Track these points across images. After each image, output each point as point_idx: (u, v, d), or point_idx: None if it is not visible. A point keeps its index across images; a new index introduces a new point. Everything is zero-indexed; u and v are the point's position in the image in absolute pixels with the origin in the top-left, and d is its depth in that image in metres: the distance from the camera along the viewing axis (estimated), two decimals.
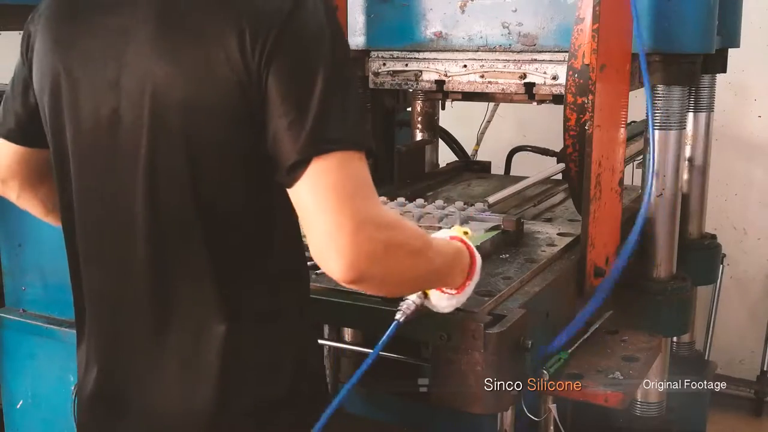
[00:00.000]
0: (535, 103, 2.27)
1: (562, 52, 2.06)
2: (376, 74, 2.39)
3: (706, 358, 3.55)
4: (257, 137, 1.21)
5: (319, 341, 1.82)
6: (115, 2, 1.29)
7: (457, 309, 1.56)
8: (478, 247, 1.86)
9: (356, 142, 1.18)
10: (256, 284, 1.31)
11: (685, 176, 2.56)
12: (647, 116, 2.06)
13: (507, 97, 2.34)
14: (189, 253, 1.28)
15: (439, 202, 2.22)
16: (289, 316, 1.36)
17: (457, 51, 2.24)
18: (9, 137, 1.48)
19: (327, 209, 1.14)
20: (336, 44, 1.22)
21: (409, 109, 2.94)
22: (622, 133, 2.05)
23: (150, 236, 1.28)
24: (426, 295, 1.41)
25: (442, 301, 1.41)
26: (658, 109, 2.11)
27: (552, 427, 1.78)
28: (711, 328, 3.86)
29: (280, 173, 1.19)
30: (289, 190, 1.20)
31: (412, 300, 1.39)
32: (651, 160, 2.06)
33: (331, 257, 1.14)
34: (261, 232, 1.30)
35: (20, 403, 2.59)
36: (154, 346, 1.33)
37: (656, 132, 2.13)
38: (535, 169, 2.72)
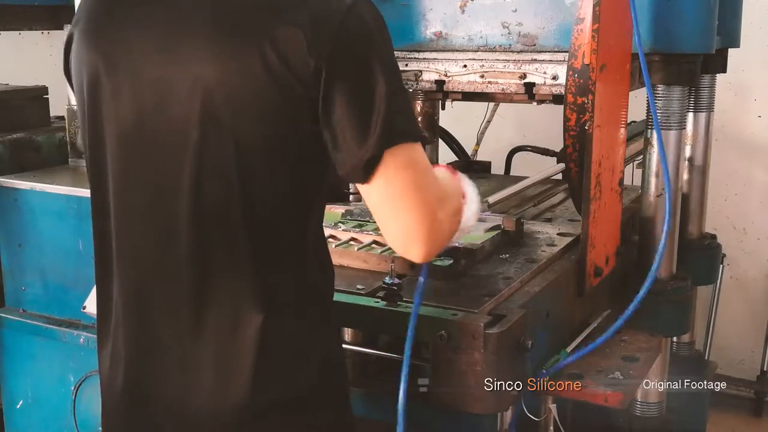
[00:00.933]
0: (535, 103, 2.27)
1: (562, 52, 2.06)
2: None
3: (706, 358, 3.55)
4: (306, 137, 1.26)
5: None
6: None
7: (457, 309, 1.57)
8: (478, 248, 1.88)
9: (418, 134, 1.27)
10: (291, 278, 1.34)
11: (685, 176, 2.56)
12: (652, 115, 2.06)
13: (507, 97, 2.34)
14: (230, 247, 1.30)
15: None
16: (317, 310, 1.39)
17: (457, 51, 2.24)
18: None
19: (405, 205, 1.25)
20: (387, 40, 1.28)
21: None
22: (622, 133, 2.05)
23: (193, 230, 1.30)
24: None
25: (470, 221, 1.49)
26: (658, 109, 2.11)
27: (552, 427, 1.78)
28: (711, 328, 3.87)
29: (349, 172, 1.25)
30: (361, 187, 1.26)
31: None
32: (662, 161, 2.06)
33: (414, 247, 1.28)
34: (298, 228, 1.34)
35: (20, 403, 2.59)
36: (190, 340, 1.34)
37: (661, 132, 2.13)
38: (535, 169, 2.72)
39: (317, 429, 1.38)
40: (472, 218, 1.49)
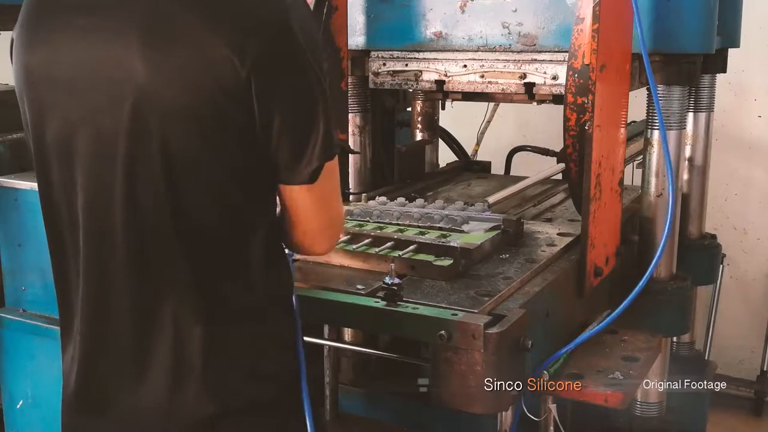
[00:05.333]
0: (535, 103, 2.27)
1: (562, 52, 2.06)
2: (376, 74, 2.39)
3: (706, 358, 3.55)
4: (237, 144, 1.26)
5: (319, 341, 1.82)
6: (93, 4, 1.28)
7: (457, 309, 1.57)
8: (478, 247, 1.88)
9: (339, 144, 1.37)
10: (236, 289, 1.33)
11: (685, 176, 2.56)
12: (657, 114, 2.06)
13: (507, 97, 2.34)
14: (167, 258, 1.29)
15: (439, 202, 2.22)
16: (269, 318, 1.37)
17: (457, 51, 2.24)
18: None
19: (324, 209, 1.38)
20: (317, 49, 1.31)
21: (409, 109, 2.94)
22: (622, 133, 2.05)
23: (129, 240, 1.29)
24: None
25: None
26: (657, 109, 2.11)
27: (552, 427, 1.78)
28: (711, 328, 3.87)
29: (289, 180, 1.32)
30: (289, 189, 1.32)
31: None
32: (666, 160, 2.06)
33: (319, 246, 1.44)
34: (241, 238, 1.32)
35: (20, 403, 2.59)
36: (138, 348, 1.33)
37: (657, 132, 2.13)
38: (535, 169, 2.72)
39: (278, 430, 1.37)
40: None
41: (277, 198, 1.38)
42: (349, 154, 2.45)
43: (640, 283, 1.86)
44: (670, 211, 2.04)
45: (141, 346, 1.32)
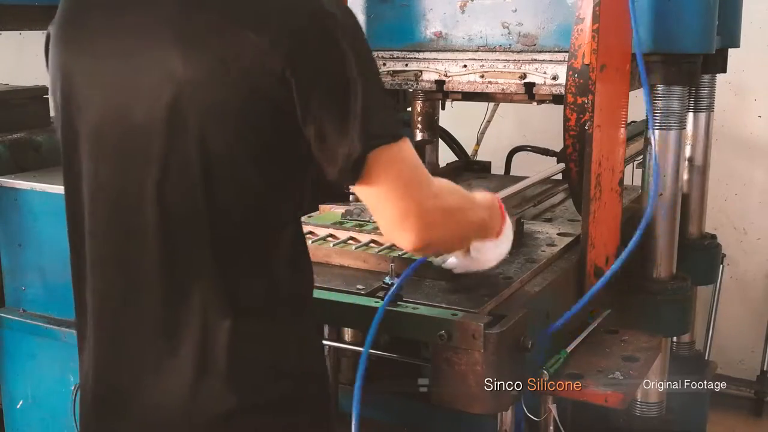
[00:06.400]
0: (535, 103, 2.27)
1: (562, 52, 2.06)
2: None
3: (706, 358, 3.55)
4: (272, 141, 1.26)
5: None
6: (130, 1, 1.30)
7: (457, 309, 1.56)
8: None
9: (396, 134, 1.28)
10: (263, 283, 1.33)
11: (685, 176, 2.56)
12: (658, 114, 2.07)
13: (507, 97, 2.34)
14: (197, 252, 1.29)
15: None
16: (293, 314, 1.38)
17: (457, 51, 2.24)
18: None
19: (392, 199, 1.28)
20: (361, 39, 1.28)
21: (409, 109, 2.94)
22: (622, 133, 2.05)
23: (160, 235, 1.29)
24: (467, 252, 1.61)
25: (491, 252, 1.63)
26: (658, 109, 2.11)
27: (552, 427, 1.78)
28: (711, 328, 3.87)
29: (336, 177, 1.27)
30: (354, 185, 1.28)
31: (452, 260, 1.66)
32: (654, 162, 2.06)
33: (403, 236, 1.31)
34: (270, 234, 1.33)
35: (20, 403, 2.59)
36: (162, 345, 1.33)
37: (657, 132, 2.13)
38: (535, 169, 2.72)
39: (294, 428, 1.37)
40: (494, 255, 1.64)
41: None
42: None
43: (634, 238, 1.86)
44: (650, 205, 2.04)
45: (166, 342, 1.32)
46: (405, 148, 1.29)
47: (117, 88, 1.30)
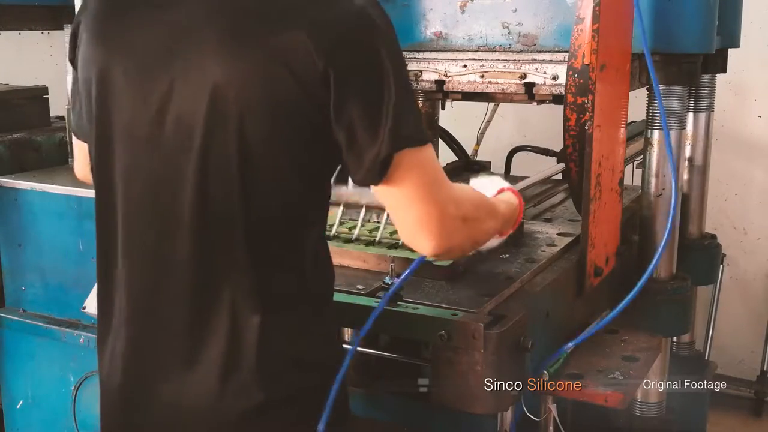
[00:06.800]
0: (535, 103, 2.27)
1: (562, 52, 2.06)
2: None
3: (706, 358, 3.55)
4: (307, 138, 1.28)
5: None
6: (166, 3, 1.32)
7: (457, 309, 1.56)
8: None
9: (424, 137, 1.31)
10: (291, 278, 1.35)
11: (685, 176, 2.56)
12: (660, 114, 2.06)
13: (507, 97, 2.34)
14: (231, 245, 1.31)
15: None
16: (317, 310, 1.40)
17: (457, 51, 2.24)
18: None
19: (416, 201, 1.29)
20: (395, 42, 1.31)
21: None
22: (622, 133, 2.05)
23: (196, 228, 1.31)
24: None
25: (493, 241, 1.62)
26: (658, 109, 2.11)
27: (552, 427, 1.78)
28: (711, 328, 3.86)
29: (362, 176, 1.29)
30: (376, 186, 1.29)
31: None
32: (670, 161, 2.06)
33: (424, 240, 1.31)
34: (300, 229, 1.35)
35: (20, 403, 2.59)
36: (192, 338, 1.34)
37: (657, 132, 2.13)
38: (535, 169, 2.71)
39: (317, 423, 1.38)
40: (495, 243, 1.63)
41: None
42: None
43: (639, 283, 1.86)
44: (672, 212, 2.04)
45: (195, 334, 1.33)
46: (430, 153, 1.31)
47: (157, 83, 1.31)
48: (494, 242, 1.62)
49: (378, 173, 1.27)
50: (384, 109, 1.25)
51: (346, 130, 1.26)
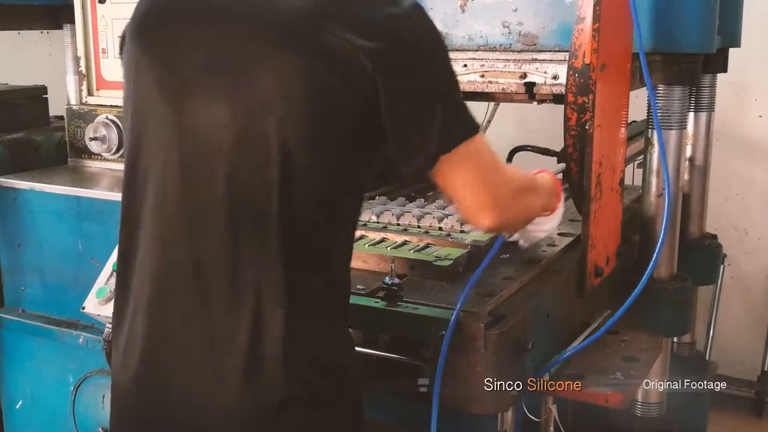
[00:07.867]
0: (535, 103, 2.26)
1: (562, 51, 2.05)
2: None
3: (706, 358, 3.55)
4: (350, 139, 1.31)
5: None
6: (212, 9, 1.35)
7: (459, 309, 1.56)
8: (476, 247, 1.87)
9: (474, 127, 1.41)
10: (318, 276, 1.36)
11: (686, 176, 2.56)
12: (653, 114, 2.06)
13: (507, 97, 2.34)
14: (263, 242, 1.31)
15: (440, 202, 2.22)
16: (337, 309, 1.41)
17: (457, 50, 2.24)
18: None
19: (473, 186, 1.40)
20: (442, 44, 1.37)
21: None
22: (623, 132, 2.05)
23: (227, 223, 1.32)
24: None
25: (546, 224, 1.78)
26: (658, 109, 2.11)
27: (552, 428, 1.78)
28: (711, 328, 3.86)
29: (414, 173, 1.35)
30: (437, 176, 1.37)
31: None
32: (663, 160, 2.06)
33: (482, 219, 1.43)
34: (329, 229, 1.37)
35: (20, 403, 2.59)
36: (216, 329, 1.34)
37: (662, 132, 2.13)
38: (535, 168, 2.71)
39: (334, 425, 1.39)
40: (549, 225, 1.79)
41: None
42: None
43: (639, 285, 1.86)
44: (666, 212, 2.03)
45: (221, 325, 1.33)
46: (481, 141, 1.41)
47: (192, 83, 1.34)
48: (553, 222, 1.78)
49: (431, 169, 1.35)
50: (434, 109, 1.30)
51: (395, 132, 1.30)
